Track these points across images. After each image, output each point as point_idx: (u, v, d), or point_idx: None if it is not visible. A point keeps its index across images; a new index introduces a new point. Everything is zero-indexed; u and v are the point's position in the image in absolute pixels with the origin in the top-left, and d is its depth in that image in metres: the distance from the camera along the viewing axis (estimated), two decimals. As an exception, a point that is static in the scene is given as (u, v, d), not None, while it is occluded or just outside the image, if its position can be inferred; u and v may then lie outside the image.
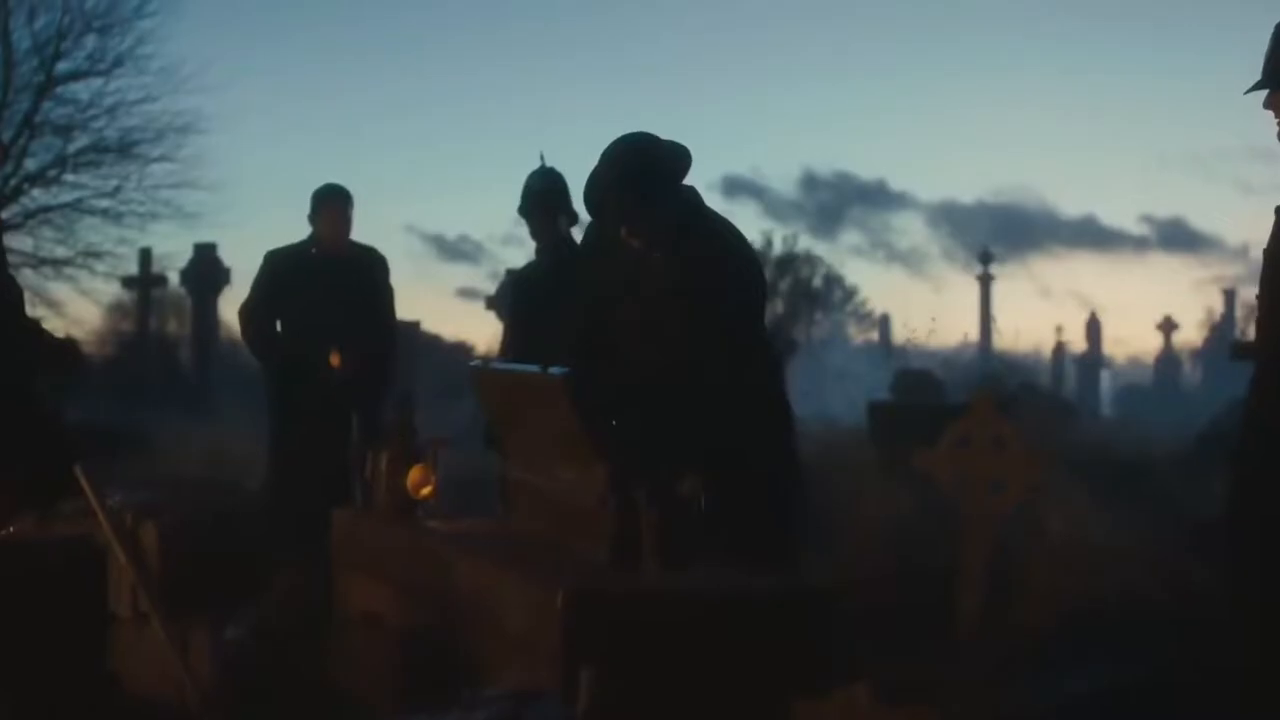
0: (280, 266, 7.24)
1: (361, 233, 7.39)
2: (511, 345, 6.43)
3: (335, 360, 7.02)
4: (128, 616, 4.70)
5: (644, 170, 4.18)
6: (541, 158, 6.47)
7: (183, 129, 20.63)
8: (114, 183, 20.79)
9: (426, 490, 4.64)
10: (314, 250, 7.21)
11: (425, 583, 4.15)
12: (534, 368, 3.98)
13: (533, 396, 4.07)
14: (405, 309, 7.80)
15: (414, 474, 4.61)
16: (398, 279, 7.51)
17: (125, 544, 4.63)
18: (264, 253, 7.37)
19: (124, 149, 20.70)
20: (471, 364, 4.48)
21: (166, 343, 23.24)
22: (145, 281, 20.79)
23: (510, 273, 6.92)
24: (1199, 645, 5.14)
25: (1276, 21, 3.72)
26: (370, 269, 7.36)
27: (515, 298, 6.67)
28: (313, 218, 7.23)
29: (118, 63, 20.48)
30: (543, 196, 6.33)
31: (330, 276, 7.10)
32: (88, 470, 4.63)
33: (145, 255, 20.59)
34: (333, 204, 7.22)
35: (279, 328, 7.30)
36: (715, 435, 4.05)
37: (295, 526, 5.66)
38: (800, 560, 4.32)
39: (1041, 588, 6.13)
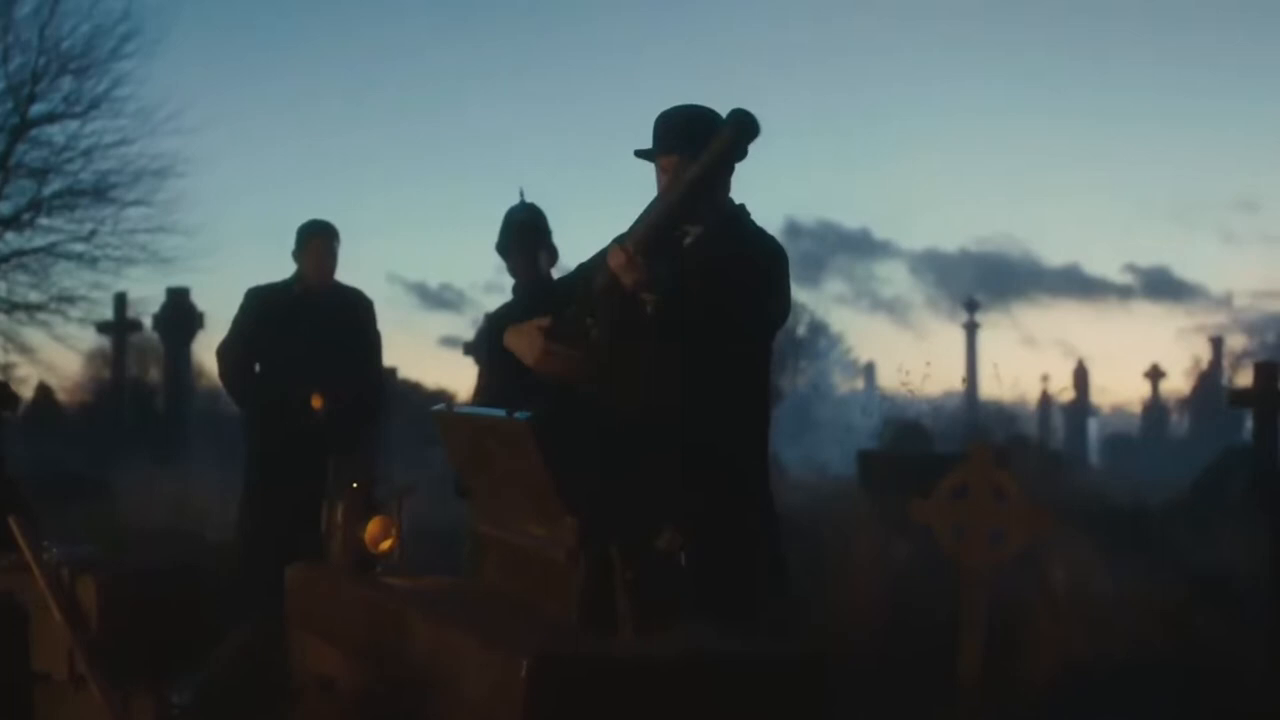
0: (262, 304, 6.92)
1: (343, 280, 7.07)
2: (486, 390, 6.12)
3: (316, 403, 6.69)
4: (64, 679, 4.36)
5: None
6: (521, 194, 6.23)
7: (159, 172, 20.44)
8: (89, 226, 20.58)
9: (387, 544, 4.31)
10: (297, 288, 6.88)
11: (382, 645, 3.81)
12: (499, 411, 3.66)
13: (498, 442, 3.75)
14: (384, 353, 7.44)
15: (373, 526, 4.29)
16: (381, 328, 7.18)
17: (61, 600, 4.31)
18: (245, 290, 7.04)
19: (99, 192, 20.50)
20: (434, 408, 4.15)
21: (142, 389, 22.89)
22: (120, 327, 20.49)
23: (489, 316, 6.58)
24: (1205, 697, 4.99)
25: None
26: (355, 310, 7.03)
27: (491, 340, 6.36)
28: (297, 254, 6.90)
29: (94, 105, 20.30)
30: (524, 230, 6.06)
31: (313, 316, 6.78)
32: (21, 521, 4.31)
33: (120, 300, 20.30)
34: (318, 239, 6.89)
35: (257, 368, 6.96)
36: (699, 484, 3.72)
37: (263, 581, 5.32)
38: (787, 621, 3.99)
39: (1043, 640, 5.97)
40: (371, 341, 7.06)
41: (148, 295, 20.63)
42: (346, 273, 7.06)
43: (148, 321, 19.60)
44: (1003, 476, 5.34)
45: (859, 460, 12.66)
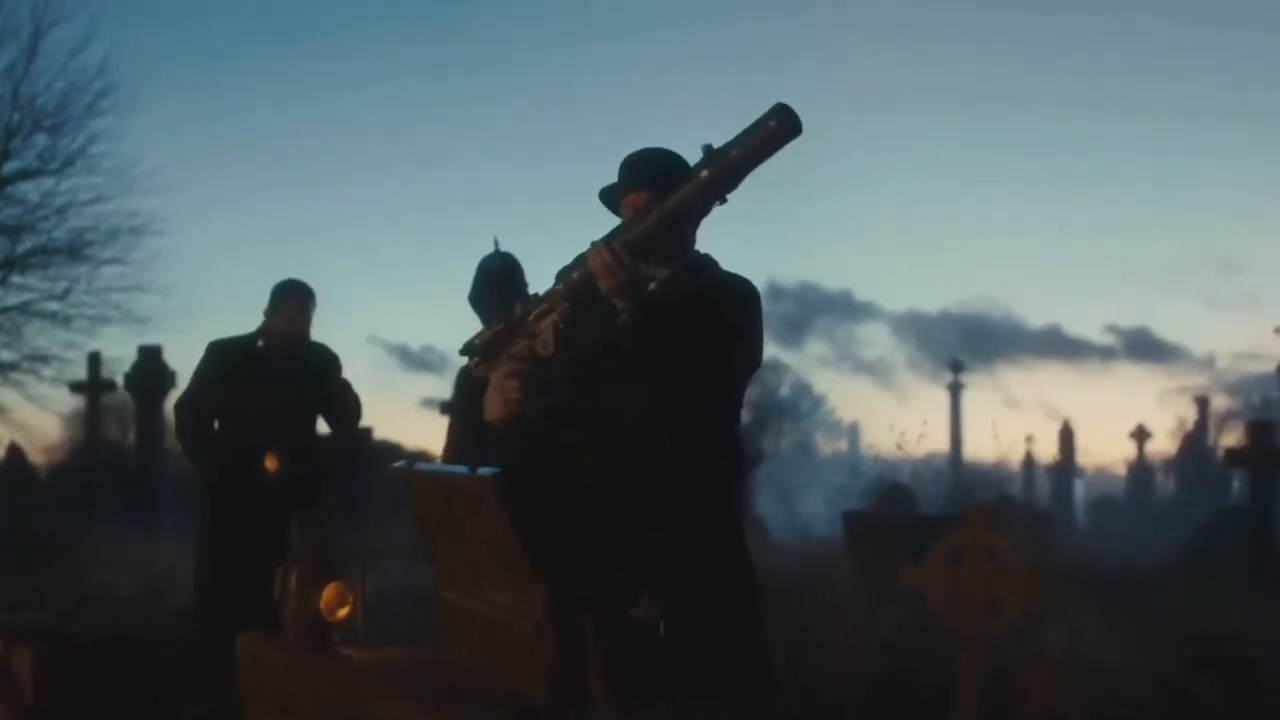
0: (223, 358, 6.59)
1: (323, 342, 6.75)
2: (455, 447, 5.83)
3: (271, 464, 6.35)
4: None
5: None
6: (496, 243, 5.98)
7: (134, 230, 20.10)
8: (63, 285, 20.24)
9: (344, 611, 4.03)
10: (261, 343, 6.56)
11: (336, 722, 3.53)
12: (461, 469, 3.39)
13: (461, 502, 3.48)
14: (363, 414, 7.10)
15: (329, 593, 4.01)
16: (360, 389, 6.85)
17: (-8, 673, 4.02)
18: (207, 343, 6.73)
19: (74, 250, 20.16)
20: (395, 465, 3.87)
21: (117, 449, 22.50)
22: (94, 387, 20.13)
23: (461, 371, 6.25)
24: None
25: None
26: (320, 367, 6.70)
27: (460, 394, 6.08)
28: (270, 312, 6.58)
29: (68, 162, 19.96)
30: (499, 280, 5.80)
31: (276, 372, 6.46)
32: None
33: (94, 359, 19.92)
34: (294, 298, 6.57)
35: (216, 425, 6.63)
36: (678, 549, 3.40)
37: (216, 650, 4.99)
38: (770, 697, 3.69)
39: (1039, 710, 5.66)
40: (339, 397, 6.74)
41: (122, 355, 20.26)
42: (328, 334, 6.75)
43: (122, 381, 19.28)
44: (1000, 540, 5.06)
45: (844, 522, 12.34)
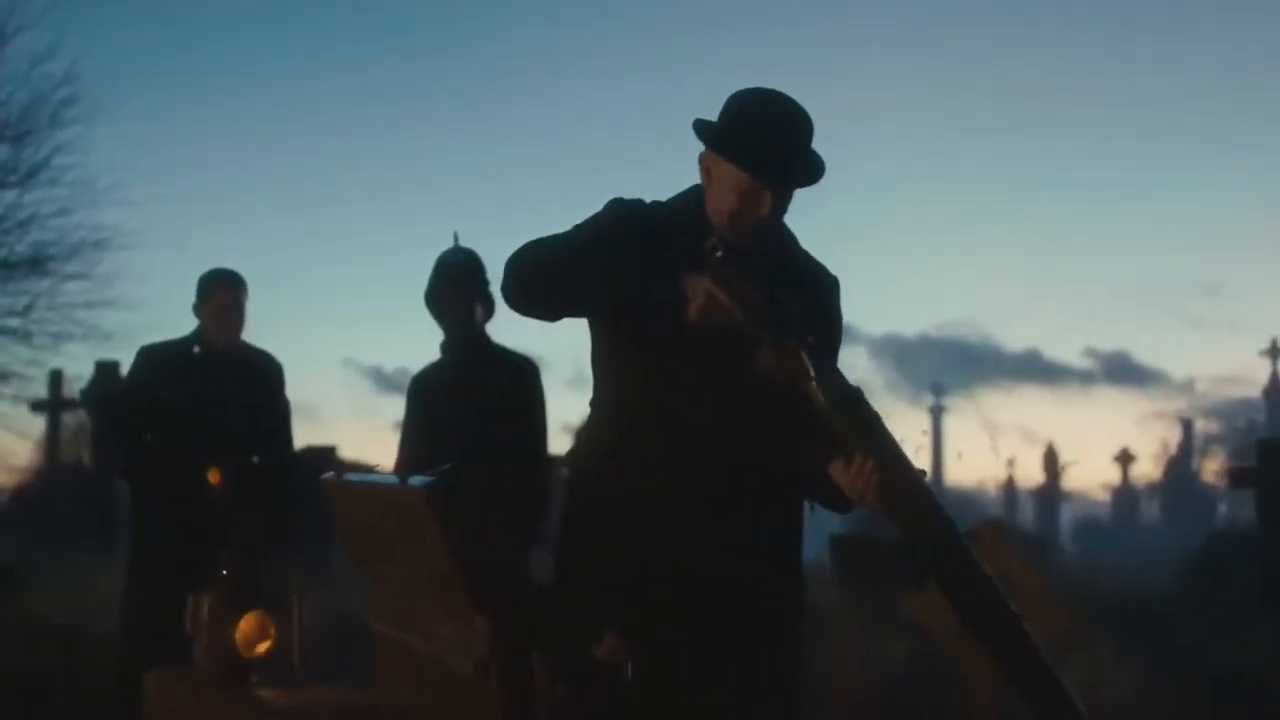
0: (154, 364, 5.96)
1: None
2: (405, 461, 5.28)
3: (214, 478, 5.72)
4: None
5: None
6: (456, 237, 5.45)
7: (99, 244, 19.49)
8: (25, 300, 19.63)
9: (263, 646, 3.47)
10: (197, 349, 5.93)
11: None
12: (392, 479, 2.83)
13: (394, 518, 2.92)
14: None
15: (246, 625, 3.44)
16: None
17: None
18: (137, 349, 6.11)
19: (36, 264, 19.56)
20: (323, 477, 3.31)
21: (79, 471, 21.87)
22: (55, 405, 19.54)
23: (413, 378, 5.66)
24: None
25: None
26: (263, 375, 6.06)
27: (411, 404, 5.51)
28: (198, 308, 5.94)
29: (31, 174, 19.41)
30: (459, 276, 5.28)
31: (215, 379, 5.82)
32: None
33: (55, 377, 19.36)
34: (223, 290, 5.90)
35: (150, 438, 5.99)
36: (654, 577, 2.83)
37: (133, 686, 4.41)
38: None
39: None
40: (282, 412, 6.12)
41: (85, 372, 19.71)
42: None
43: (77, 398, 18.72)
44: (1015, 561, 4.50)
45: (831, 545, 11.83)
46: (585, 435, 3.02)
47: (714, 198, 2.83)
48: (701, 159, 2.87)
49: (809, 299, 2.82)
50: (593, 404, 2.98)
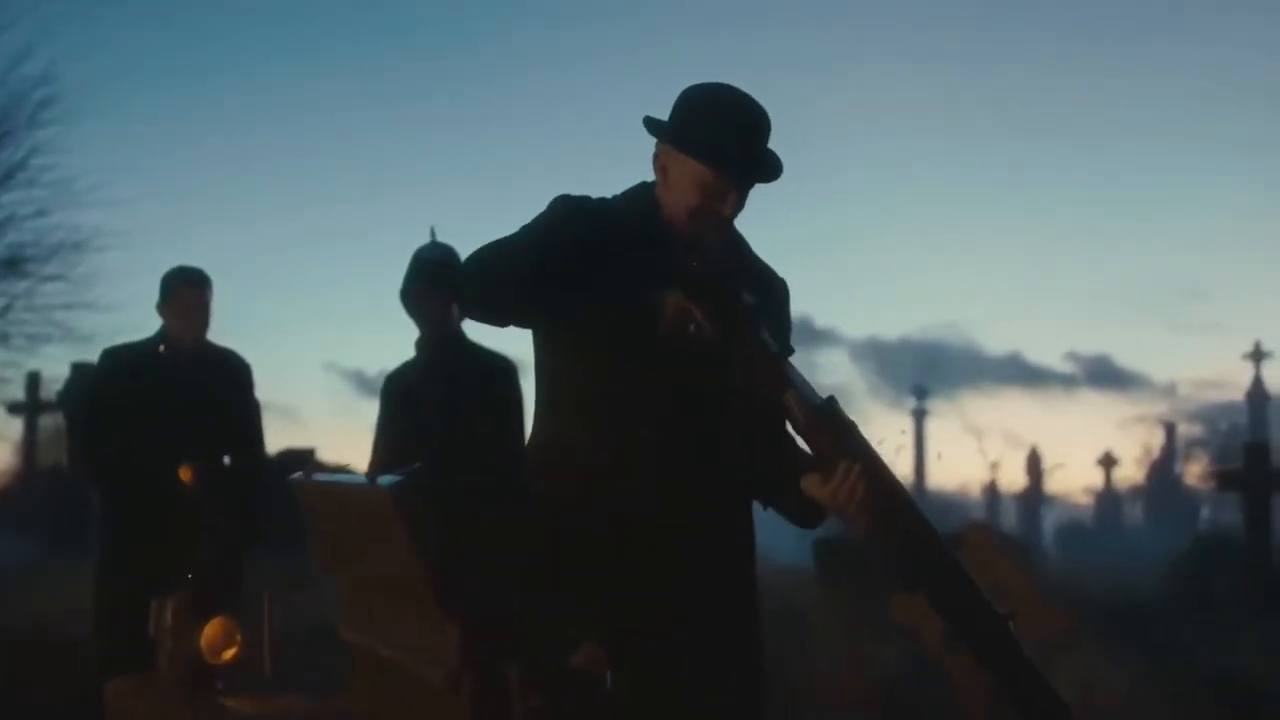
0: (118, 366, 5.81)
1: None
2: (379, 462, 5.15)
3: (186, 475, 5.56)
4: None
5: None
6: (433, 232, 5.33)
7: (78, 245, 19.32)
8: (2, 302, 19.47)
9: (228, 653, 3.34)
10: (162, 348, 5.79)
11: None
12: (359, 478, 2.71)
13: (362, 520, 2.79)
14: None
15: (210, 631, 3.32)
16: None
17: None
18: (101, 350, 5.97)
19: (13, 264, 19.39)
20: (292, 477, 3.18)
21: (57, 473, 21.73)
22: (32, 408, 19.40)
23: (387, 377, 5.53)
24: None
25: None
26: (230, 375, 5.91)
27: (385, 403, 5.38)
28: (162, 307, 5.80)
29: (8, 175, 19.25)
30: (436, 271, 5.15)
31: (181, 380, 5.69)
32: None
33: (33, 379, 19.23)
34: (188, 289, 5.77)
35: (117, 441, 5.83)
36: (633, 582, 2.72)
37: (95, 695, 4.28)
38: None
39: None
40: (250, 412, 5.97)
41: (62, 374, 19.56)
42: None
43: (54, 399, 18.60)
44: (1006, 565, 4.39)
45: (815, 549, 11.68)
46: (545, 442, 2.92)
47: (673, 195, 2.75)
48: (656, 157, 2.80)
49: (761, 303, 2.72)
50: (547, 409, 2.88)
